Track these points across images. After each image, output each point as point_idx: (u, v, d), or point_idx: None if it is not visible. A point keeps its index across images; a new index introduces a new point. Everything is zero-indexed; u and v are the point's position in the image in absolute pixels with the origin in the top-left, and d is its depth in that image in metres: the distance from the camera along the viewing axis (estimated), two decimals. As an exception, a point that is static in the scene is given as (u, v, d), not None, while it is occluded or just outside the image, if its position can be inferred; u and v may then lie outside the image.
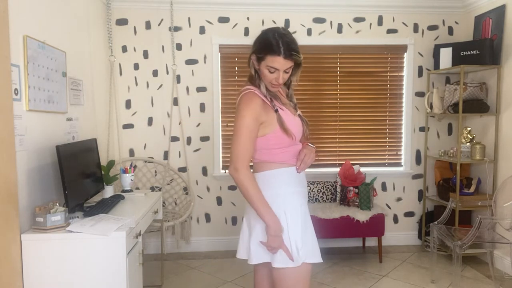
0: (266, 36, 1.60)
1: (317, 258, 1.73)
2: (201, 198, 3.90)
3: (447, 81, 3.94)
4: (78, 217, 2.22)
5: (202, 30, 3.78)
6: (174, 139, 3.83)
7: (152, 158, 3.81)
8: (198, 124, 3.84)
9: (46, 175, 2.32)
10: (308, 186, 3.82)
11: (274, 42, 1.57)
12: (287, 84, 1.78)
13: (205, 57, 3.80)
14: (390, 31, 3.92)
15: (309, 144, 1.80)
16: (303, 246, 1.65)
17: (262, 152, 1.69)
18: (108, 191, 2.81)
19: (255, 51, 1.63)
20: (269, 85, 1.66)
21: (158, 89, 3.80)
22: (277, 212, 1.63)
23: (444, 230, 3.12)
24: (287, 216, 1.65)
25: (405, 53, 3.95)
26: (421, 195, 4.07)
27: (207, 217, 3.93)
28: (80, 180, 2.42)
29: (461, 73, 3.45)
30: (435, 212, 3.91)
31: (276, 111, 1.64)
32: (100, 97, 3.41)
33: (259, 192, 1.61)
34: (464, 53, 3.54)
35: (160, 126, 3.82)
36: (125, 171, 2.93)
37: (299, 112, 1.79)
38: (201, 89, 3.82)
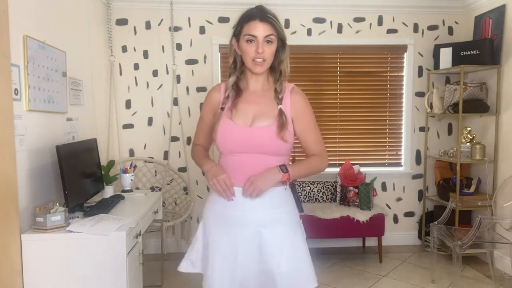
0: (243, 13, 1.56)
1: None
2: (201, 198, 3.90)
3: (447, 81, 3.94)
4: (78, 217, 2.22)
5: (202, 30, 3.78)
6: (174, 139, 3.83)
7: (152, 158, 3.81)
8: (198, 124, 3.83)
9: (46, 175, 2.32)
10: (308, 186, 3.82)
11: (249, 11, 1.53)
12: (276, 77, 1.58)
13: (205, 57, 3.80)
14: (390, 31, 3.92)
15: (285, 166, 1.50)
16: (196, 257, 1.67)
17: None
18: (108, 191, 2.81)
19: (234, 31, 1.56)
20: (252, 65, 1.50)
21: (158, 89, 3.80)
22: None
23: (444, 230, 3.12)
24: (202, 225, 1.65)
25: (405, 53, 3.95)
26: (421, 195, 4.07)
27: (207, 217, 3.92)
28: (80, 180, 2.42)
29: (461, 73, 3.45)
30: (435, 212, 3.91)
31: (222, 109, 1.57)
32: (100, 97, 3.41)
33: (196, 156, 1.72)
34: (464, 53, 3.54)
35: (160, 126, 3.82)
36: (125, 171, 2.93)
37: (279, 109, 1.53)
38: (201, 89, 3.82)
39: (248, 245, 1.51)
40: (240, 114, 1.53)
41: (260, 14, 1.49)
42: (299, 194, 3.83)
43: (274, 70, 1.58)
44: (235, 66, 1.58)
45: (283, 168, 1.49)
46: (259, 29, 1.47)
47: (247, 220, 1.51)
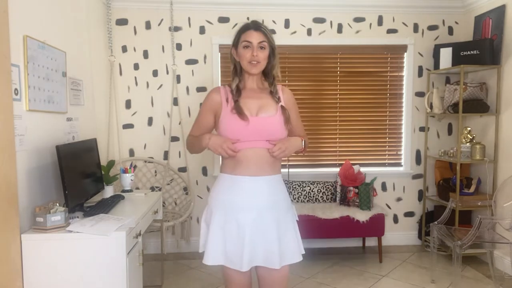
0: (240, 26, 1.85)
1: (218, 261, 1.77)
2: (201, 198, 3.90)
3: (447, 81, 3.94)
4: (78, 217, 2.22)
5: (202, 30, 3.78)
6: (174, 139, 3.83)
7: (152, 158, 3.81)
8: (198, 124, 3.83)
9: (46, 175, 2.32)
10: (308, 186, 3.82)
11: (245, 24, 1.83)
12: (270, 81, 1.86)
13: (205, 57, 3.80)
14: (390, 31, 3.92)
15: (302, 138, 1.86)
16: (207, 248, 1.77)
17: None
18: (108, 191, 2.81)
19: (233, 42, 1.84)
20: (249, 67, 1.79)
21: (158, 89, 3.80)
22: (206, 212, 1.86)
23: (444, 230, 3.12)
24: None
25: (405, 53, 3.95)
26: (421, 195, 4.07)
27: (207, 217, 3.92)
28: (80, 180, 2.42)
29: (461, 73, 3.45)
30: (435, 212, 3.91)
31: (236, 101, 1.77)
32: (100, 97, 3.41)
33: (191, 141, 1.90)
34: (464, 53, 3.55)
35: (160, 126, 3.82)
36: (125, 171, 2.93)
37: (280, 106, 1.82)
38: (201, 89, 3.82)
39: (254, 226, 1.74)
40: (244, 107, 1.77)
41: (254, 25, 1.79)
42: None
43: (267, 75, 1.86)
44: (235, 71, 1.85)
45: (303, 140, 1.85)
46: (254, 36, 1.77)
47: (252, 205, 1.75)
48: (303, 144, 1.85)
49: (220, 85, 3.79)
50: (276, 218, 1.77)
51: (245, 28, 1.80)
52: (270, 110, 1.79)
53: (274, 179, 1.81)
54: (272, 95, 1.83)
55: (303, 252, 1.84)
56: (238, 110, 1.74)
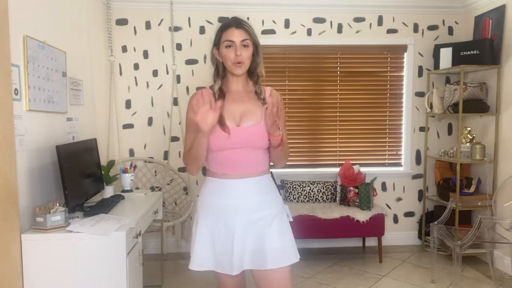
0: (220, 25, 1.75)
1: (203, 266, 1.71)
2: (201, 198, 3.89)
3: (447, 81, 3.94)
4: (78, 217, 2.22)
5: (202, 30, 3.78)
6: (174, 139, 3.83)
7: (152, 158, 3.81)
8: (198, 124, 3.83)
9: (46, 175, 2.32)
10: (308, 186, 3.82)
11: (225, 22, 1.72)
12: (254, 80, 1.77)
13: (205, 57, 3.80)
14: (390, 31, 3.92)
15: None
16: (193, 253, 1.72)
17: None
18: (108, 191, 2.81)
19: (214, 41, 1.74)
20: (233, 68, 1.69)
21: (158, 89, 3.80)
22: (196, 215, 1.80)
23: (444, 230, 3.12)
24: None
25: (405, 53, 3.95)
26: (421, 195, 4.07)
27: (207, 217, 3.92)
28: (80, 180, 2.42)
29: (461, 73, 3.45)
30: (435, 212, 3.91)
31: (220, 97, 1.70)
32: (100, 97, 3.41)
33: (187, 152, 1.73)
34: (464, 53, 3.54)
35: (160, 126, 3.82)
36: (125, 171, 2.93)
37: (265, 109, 1.68)
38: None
39: (243, 229, 1.67)
40: (228, 114, 1.68)
41: (235, 22, 1.69)
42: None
43: (251, 74, 1.76)
44: (218, 73, 1.76)
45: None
46: (236, 34, 1.66)
47: (242, 208, 1.68)
48: (280, 133, 1.66)
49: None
50: (266, 219, 1.69)
51: (226, 26, 1.69)
52: (254, 117, 1.69)
53: (264, 179, 1.74)
54: (257, 96, 1.75)
55: (297, 254, 1.72)
56: (220, 121, 1.63)
